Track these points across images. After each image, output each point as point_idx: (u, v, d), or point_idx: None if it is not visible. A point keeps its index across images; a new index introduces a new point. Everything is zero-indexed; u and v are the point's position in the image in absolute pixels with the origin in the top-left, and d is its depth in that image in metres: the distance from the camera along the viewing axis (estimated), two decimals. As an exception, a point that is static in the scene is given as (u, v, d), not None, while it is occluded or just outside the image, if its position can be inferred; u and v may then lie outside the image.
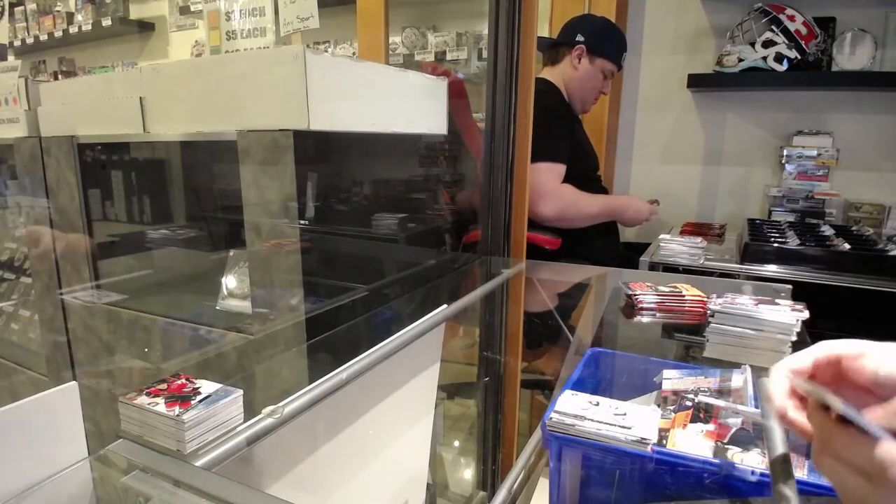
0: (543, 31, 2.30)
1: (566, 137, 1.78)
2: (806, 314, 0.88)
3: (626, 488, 0.62)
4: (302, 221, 0.95)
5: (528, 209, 1.70)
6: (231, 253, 1.17)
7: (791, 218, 2.20)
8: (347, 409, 0.81)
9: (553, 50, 1.90)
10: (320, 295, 1.04)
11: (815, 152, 2.19)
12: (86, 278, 1.28)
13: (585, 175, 1.85)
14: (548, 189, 1.70)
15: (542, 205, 1.70)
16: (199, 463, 0.54)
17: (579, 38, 1.82)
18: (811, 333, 0.89)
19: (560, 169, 1.74)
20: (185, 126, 1.03)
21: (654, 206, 1.94)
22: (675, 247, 1.73)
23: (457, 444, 1.59)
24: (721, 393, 0.73)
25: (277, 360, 0.99)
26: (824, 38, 2.11)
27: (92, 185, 1.29)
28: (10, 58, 1.46)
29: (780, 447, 0.51)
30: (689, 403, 0.70)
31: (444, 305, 1.01)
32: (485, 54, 1.52)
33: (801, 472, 0.62)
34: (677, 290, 1.12)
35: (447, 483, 1.47)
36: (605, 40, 1.84)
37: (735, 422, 0.65)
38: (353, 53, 2.87)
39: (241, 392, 0.60)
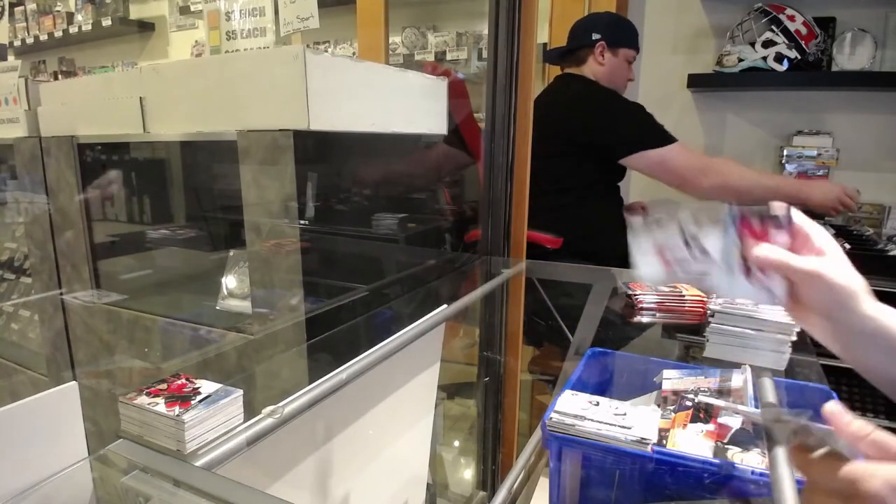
0: (543, 31, 2.29)
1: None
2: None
3: (626, 488, 0.62)
4: (302, 221, 0.95)
5: (686, 189, 1.71)
6: (231, 253, 1.17)
7: (791, 218, 2.19)
8: (347, 409, 0.81)
9: (571, 55, 1.92)
10: (320, 295, 1.04)
11: (815, 152, 2.19)
12: (86, 278, 1.28)
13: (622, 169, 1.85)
14: (701, 164, 1.68)
15: (702, 179, 1.67)
16: (199, 463, 0.54)
17: (596, 35, 1.84)
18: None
19: (687, 145, 1.72)
20: (185, 126, 1.03)
21: (852, 191, 1.72)
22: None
23: (457, 444, 1.59)
24: (721, 393, 0.73)
25: (277, 360, 0.99)
26: (824, 38, 2.10)
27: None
28: (10, 58, 1.46)
29: (780, 447, 0.51)
30: (689, 403, 0.70)
31: (444, 305, 1.01)
32: (485, 54, 1.52)
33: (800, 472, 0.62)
34: (677, 290, 1.12)
35: (447, 483, 1.47)
36: (621, 30, 1.87)
37: (735, 422, 0.65)
38: (353, 53, 2.87)
39: (241, 392, 0.60)
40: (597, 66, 1.87)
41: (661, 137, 1.70)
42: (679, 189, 1.73)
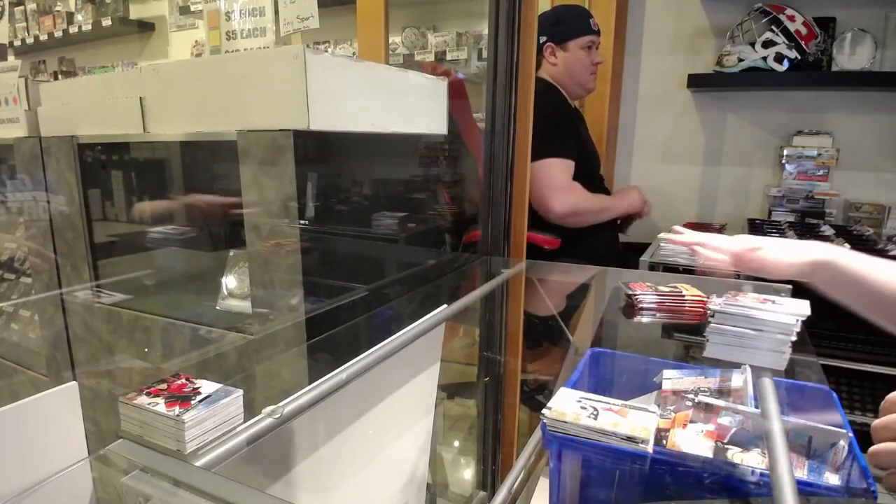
0: (543, 31, 2.30)
1: (572, 134, 1.78)
2: (808, 311, 0.87)
3: (626, 488, 0.62)
4: (302, 221, 0.95)
5: (538, 206, 1.69)
6: (231, 253, 1.17)
7: (791, 218, 2.20)
8: (347, 409, 0.81)
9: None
10: (320, 295, 1.04)
11: (815, 152, 2.19)
12: (86, 278, 1.28)
13: (589, 175, 1.85)
14: (560, 185, 1.68)
15: (554, 201, 1.67)
16: (199, 463, 0.54)
17: (542, 39, 1.83)
18: (811, 333, 0.89)
19: (570, 165, 1.72)
20: (185, 126, 1.03)
21: (644, 203, 1.93)
22: (676, 246, 1.73)
23: (457, 444, 1.59)
24: (721, 393, 0.73)
25: (277, 360, 0.99)
26: (824, 38, 2.10)
27: (92, 185, 1.29)
28: (10, 58, 1.46)
29: (780, 447, 0.51)
30: (689, 403, 0.70)
31: (444, 305, 1.01)
32: (485, 54, 1.52)
33: (801, 472, 0.62)
34: (677, 290, 1.12)
35: (447, 483, 1.47)
36: (563, 24, 1.85)
37: (735, 422, 0.65)
38: (353, 53, 2.87)
39: (241, 392, 0.60)
40: (551, 68, 1.86)
41: (547, 149, 1.65)
42: (536, 208, 1.70)
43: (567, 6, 1.95)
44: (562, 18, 1.87)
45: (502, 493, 0.70)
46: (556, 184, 1.68)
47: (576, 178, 1.76)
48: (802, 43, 2.05)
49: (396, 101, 1.13)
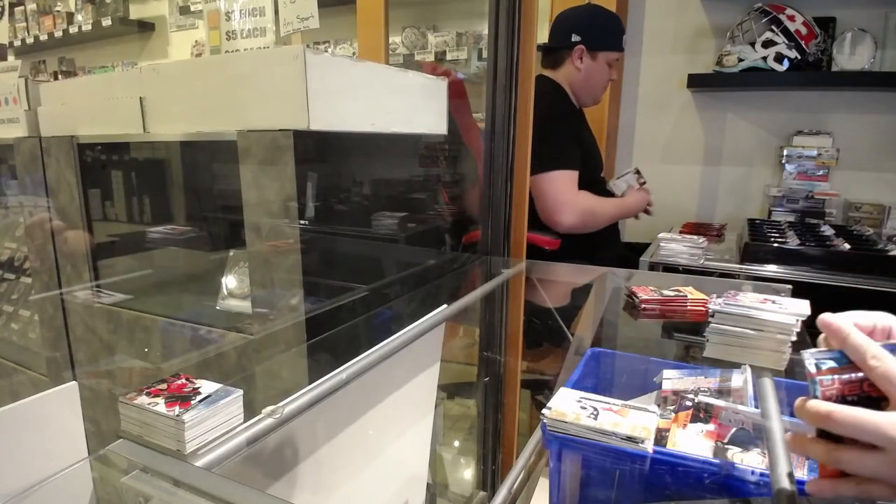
0: (543, 31, 2.29)
1: (576, 141, 1.77)
2: (808, 311, 0.88)
3: (626, 488, 0.62)
4: (302, 221, 0.95)
5: (546, 220, 1.70)
6: (231, 253, 1.17)
7: (791, 218, 2.20)
8: (347, 409, 0.81)
9: (551, 54, 1.87)
10: (320, 295, 1.04)
11: (815, 152, 2.19)
12: (86, 278, 1.28)
13: (591, 177, 1.84)
14: (567, 199, 1.68)
15: (562, 215, 1.68)
16: (199, 463, 0.54)
17: (575, 38, 1.78)
18: (811, 333, 0.89)
19: (575, 176, 1.72)
20: (185, 126, 1.03)
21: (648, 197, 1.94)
22: (675, 246, 1.73)
23: (457, 444, 1.59)
24: (721, 393, 0.73)
25: (277, 360, 0.99)
26: (824, 38, 2.11)
27: (92, 185, 1.29)
28: (10, 58, 1.46)
29: (780, 447, 0.51)
30: (689, 403, 0.70)
31: (444, 305, 1.01)
32: (485, 54, 1.52)
33: (801, 472, 0.62)
34: (681, 293, 1.11)
35: (447, 483, 1.47)
36: (602, 32, 1.80)
37: (735, 422, 0.65)
38: (353, 53, 2.87)
39: (241, 392, 0.60)
40: (573, 71, 1.81)
41: (553, 160, 1.65)
42: (545, 222, 1.71)
43: (608, 13, 1.85)
44: (602, 25, 1.80)
45: (502, 493, 0.70)
46: (562, 198, 1.67)
47: (580, 181, 1.76)
48: (802, 43, 2.05)
49: (396, 101, 1.13)
